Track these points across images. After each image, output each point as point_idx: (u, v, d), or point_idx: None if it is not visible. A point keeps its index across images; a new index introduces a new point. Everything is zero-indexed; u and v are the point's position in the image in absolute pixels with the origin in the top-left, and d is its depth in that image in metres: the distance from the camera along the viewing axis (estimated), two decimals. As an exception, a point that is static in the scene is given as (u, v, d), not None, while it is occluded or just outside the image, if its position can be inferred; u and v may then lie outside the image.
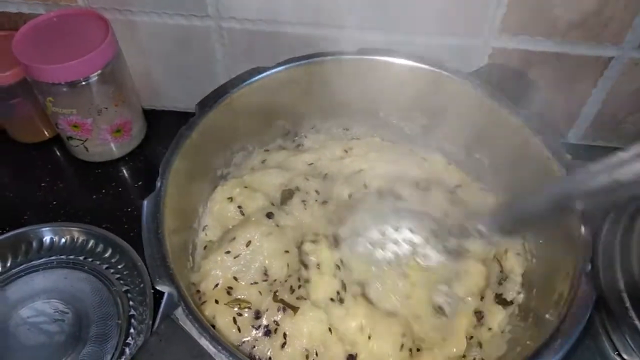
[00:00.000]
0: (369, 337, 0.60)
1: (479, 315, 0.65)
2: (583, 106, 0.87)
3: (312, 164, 0.76)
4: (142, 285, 0.73)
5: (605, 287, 0.65)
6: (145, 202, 0.56)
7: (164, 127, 0.94)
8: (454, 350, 0.61)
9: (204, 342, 0.46)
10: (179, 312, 0.48)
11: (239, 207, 0.71)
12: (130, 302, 0.74)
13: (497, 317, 0.64)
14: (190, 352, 0.46)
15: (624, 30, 0.75)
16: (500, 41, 0.79)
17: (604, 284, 0.66)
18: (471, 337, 0.63)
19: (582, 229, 0.55)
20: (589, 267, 0.51)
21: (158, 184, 0.57)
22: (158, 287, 0.49)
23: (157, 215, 0.55)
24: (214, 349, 0.46)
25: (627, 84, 0.83)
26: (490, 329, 0.63)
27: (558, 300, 0.52)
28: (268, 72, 0.68)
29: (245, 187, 0.72)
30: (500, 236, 0.62)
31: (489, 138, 0.70)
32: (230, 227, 0.69)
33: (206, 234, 0.70)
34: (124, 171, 0.90)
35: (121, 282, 0.76)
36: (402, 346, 0.60)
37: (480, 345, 0.63)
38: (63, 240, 0.79)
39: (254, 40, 0.83)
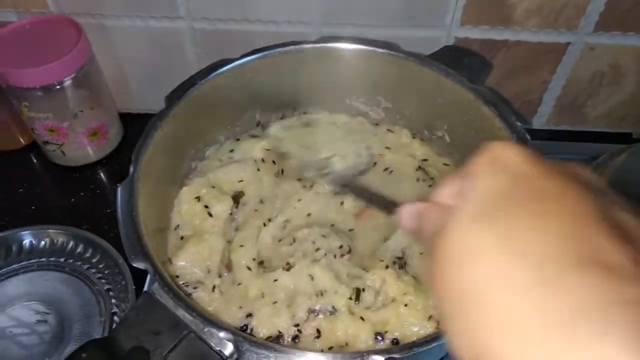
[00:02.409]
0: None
1: None
2: (544, 92, 0.91)
3: (269, 149, 0.76)
4: (123, 283, 0.74)
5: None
6: (119, 188, 0.57)
7: (140, 130, 0.93)
8: None
9: (181, 312, 0.48)
10: (156, 287, 0.49)
11: (206, 206, 0.70)
12: (113, 300, 0.74)
13: None
14: (167, 322, 0.47)
15: (578, 16, 0.79)
16: (463, 31, 0.82)
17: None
18: None
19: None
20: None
21: (131, 169, 0.58)
22: (134, 264, 0.50)
23: (130, 199, 0.56)
24: (190, 317, 0.47)
25: (585, 69, 0.86)
26: None
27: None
28: (234, 64, 0.70)
29: (213, 187, 0.72)
30: None
31: (447, 115, 0.73)
32: (200, 228, 0.69)
33: (179, 233, 0.69)
34: (102, 174, 0.91)
35: (103, 281, 0.76)
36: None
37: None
38: (43, 242, 0.79)
39: (226, 40, 0.85)
